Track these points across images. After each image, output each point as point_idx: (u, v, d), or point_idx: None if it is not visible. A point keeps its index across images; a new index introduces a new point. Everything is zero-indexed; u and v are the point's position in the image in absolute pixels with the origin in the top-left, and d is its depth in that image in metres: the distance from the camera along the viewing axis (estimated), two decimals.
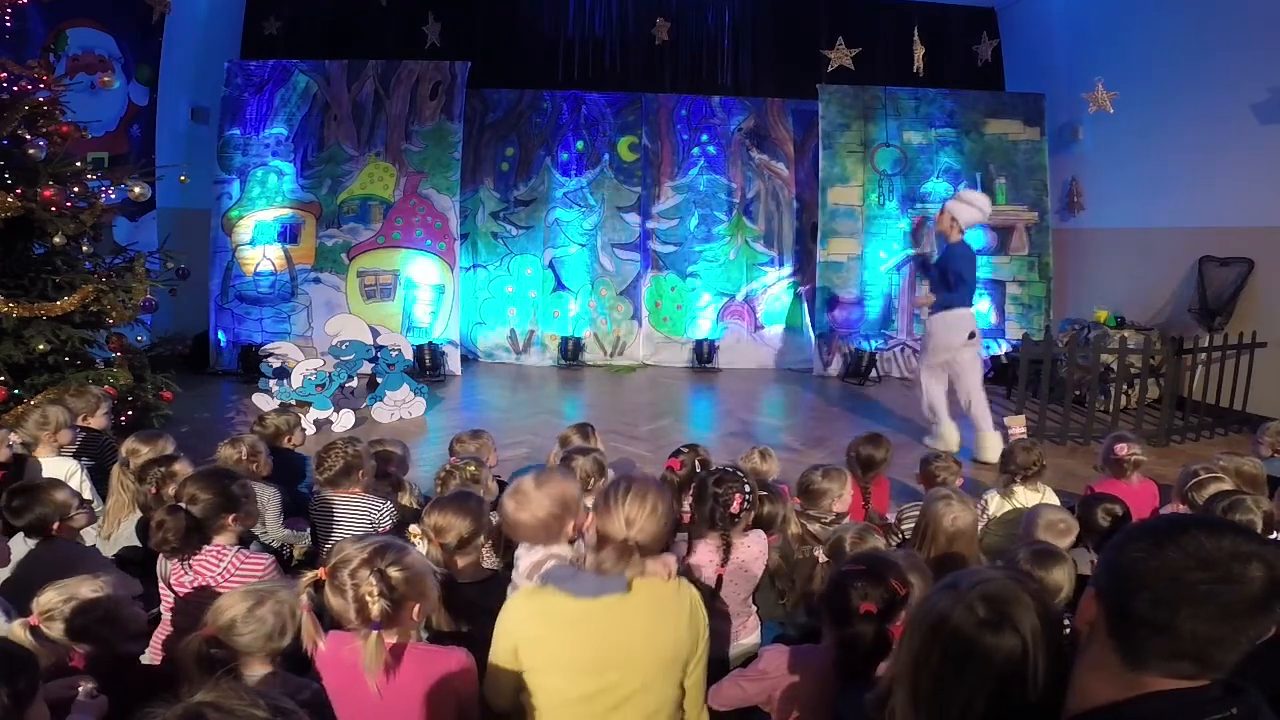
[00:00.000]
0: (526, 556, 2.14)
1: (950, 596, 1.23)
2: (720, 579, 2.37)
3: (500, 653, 1.82)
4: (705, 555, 2.39)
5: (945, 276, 5.51)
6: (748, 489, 2.41)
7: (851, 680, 1.75)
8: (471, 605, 2.14)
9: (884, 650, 1.76)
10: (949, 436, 5.66)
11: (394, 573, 1.71)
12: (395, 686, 1.72)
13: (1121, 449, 3.54)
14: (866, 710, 1.34)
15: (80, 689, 1.67)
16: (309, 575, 1.76)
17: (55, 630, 1.83)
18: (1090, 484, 3.74)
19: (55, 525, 2.55)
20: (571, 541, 2.14)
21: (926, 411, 5.77)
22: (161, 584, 2.35)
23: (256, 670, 1.79)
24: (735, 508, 2.36)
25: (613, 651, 1.76)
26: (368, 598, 1.68)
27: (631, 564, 1.78)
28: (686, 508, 2.50)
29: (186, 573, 2.29)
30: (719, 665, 2.41)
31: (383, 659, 1.68)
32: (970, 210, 5.64)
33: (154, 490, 2.74)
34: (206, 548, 2.35)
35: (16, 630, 1.78)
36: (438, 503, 2.37)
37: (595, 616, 1.76)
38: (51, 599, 1.84)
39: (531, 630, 1.79)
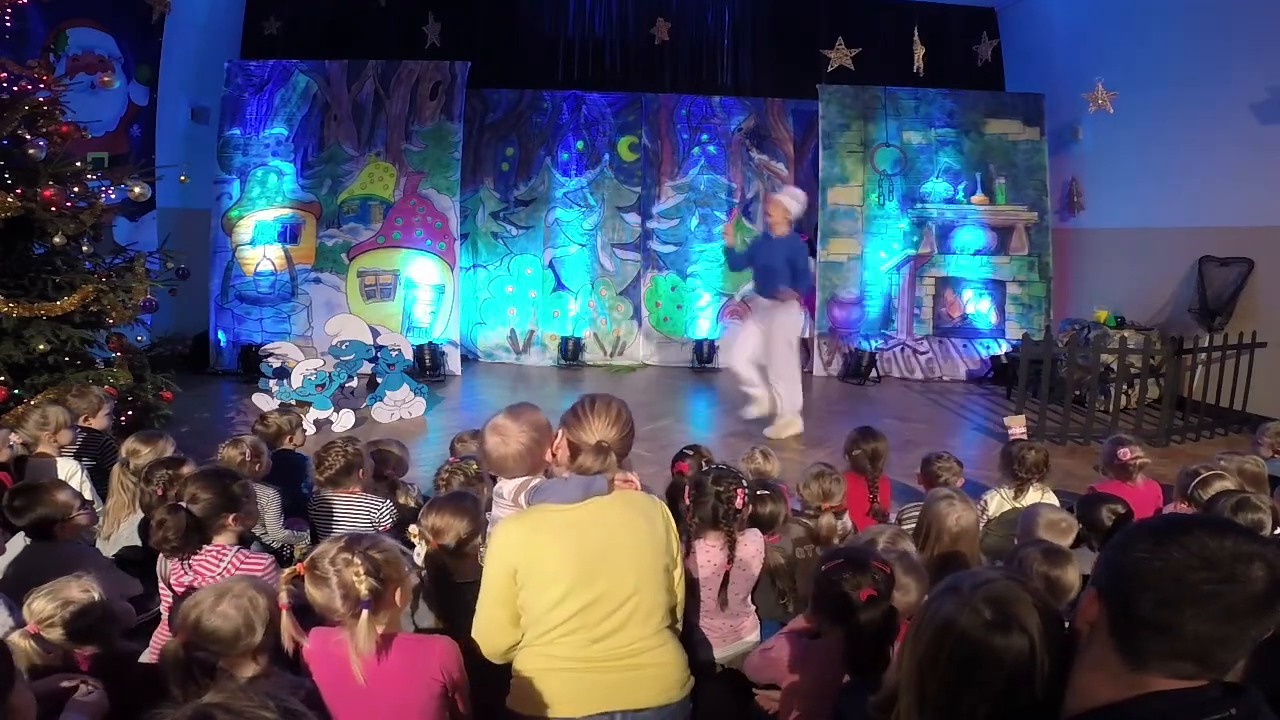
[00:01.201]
0: (509, 484, 2.27)
1: (954, 600, 1.23)
2: (727, 575, 2.37)
3: (494, 583, 1.86)
4: (706, 555, 2.39)
5: (793, 268, 5.78)
6: (745, 484, 2.44)
7: (863, 671, 1.78)
8: (466, 606, 2.14)
9: (893, 631, 1.82)
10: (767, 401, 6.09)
11: (375, 554, 1.74)
12: (383, 676, 1.72)
13: (1125, 453, 3.50)
14: (869, 712, 1.33)
15: (80, 688, 1.67)
16: (286, 571, 1.76)
17: (55, 635, 1.83)
18: (1093, 485, 3.73)
19: (57, 526, 2.55)
20: (548, 474, 2.22)
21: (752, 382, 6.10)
22: (161, 583, 2.35)
23: (245, 670, 1.77)
24: (739, 503, 2.38)
25: (602, 556, 1.83)
26: (354, 578, 1.69)
27: (608, 464, 1.91)
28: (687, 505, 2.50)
29: (186, 573, 2.29)
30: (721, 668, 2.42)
31: (374, 640, 1.68)
32: (797, 205, 5.97)
33: (160, 492, 2.74)
34: (206, 548, 2.35)
35: (17, 640, 1.77)
36: (435, 504, 2.37)
37: (584, 521, 1.85)
38: (45, 606, 1.83)
39: (527, 547, 1.84)
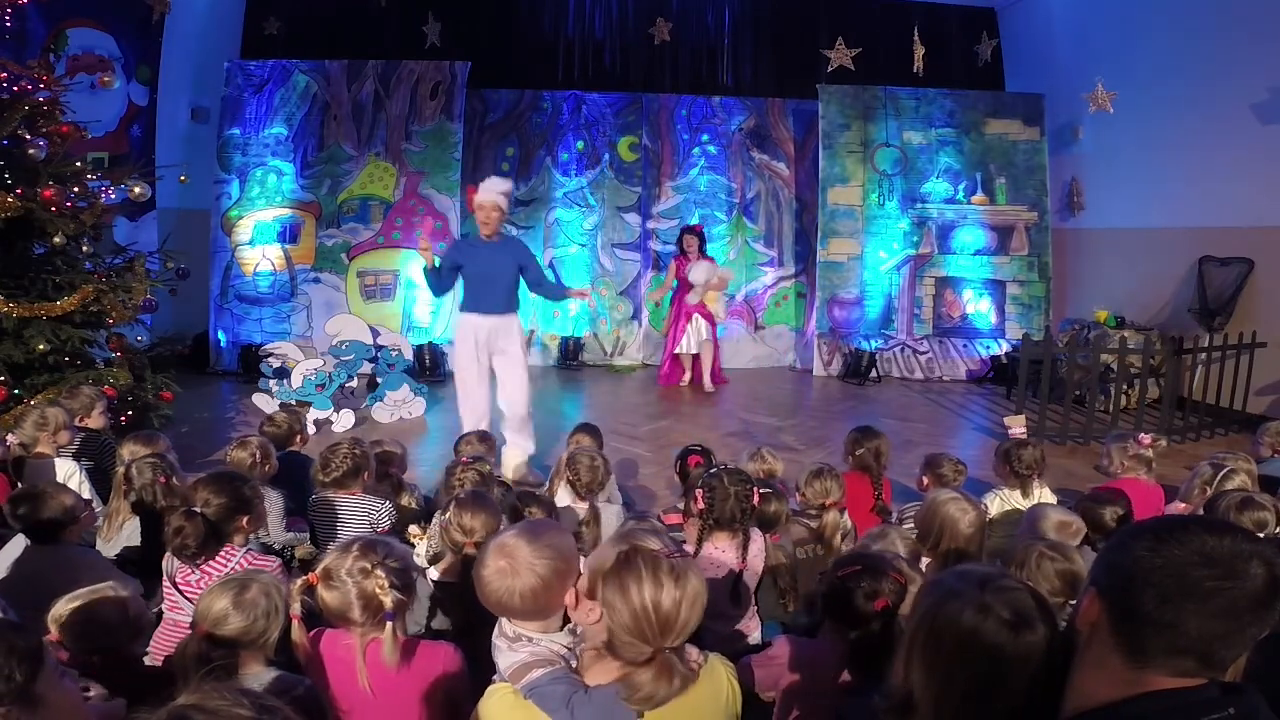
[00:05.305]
0: (507, 652, 1.56)
1: (970, 605, 1.23)
2: (740, 574, 2.37)
3: None
4: (716, 554, 2.38)
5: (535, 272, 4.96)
6: (754, 482, 2.45)
7: (867, 674, 1.76)
8: (468, 606, 2.14)
9: (897, 640, 1.78)
10: None
11: (393, 564, 1.74)
12: (390, 682, 1.72)
13: (1145, 438, 3.58)
14: (878, 713, 1.33)
15: (92, 692, 1.66)
16: (300, 582, 1.76)
17: (73, 642, 1.82)
18: (1094, 487, 3.73)
19: (60, 529, 2.54)
20: (565, 625, 1.61)
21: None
22: (166, 582, 2.34)
23: (253, 668, 1.78)
24: (756, 500, 2.38)
25: None
26: (378, 590, 1.68)
27: (675, 677, 1.35)
28: (689, 507, 2.49)
29: (194, 572, 2.29)
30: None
31: (399, 648, 1.69)
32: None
33: (164, 480, 2.77)
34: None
35: None
36: (464, 504, 2.32)
37: None
38: (66, 614, 1.83)
39: None
